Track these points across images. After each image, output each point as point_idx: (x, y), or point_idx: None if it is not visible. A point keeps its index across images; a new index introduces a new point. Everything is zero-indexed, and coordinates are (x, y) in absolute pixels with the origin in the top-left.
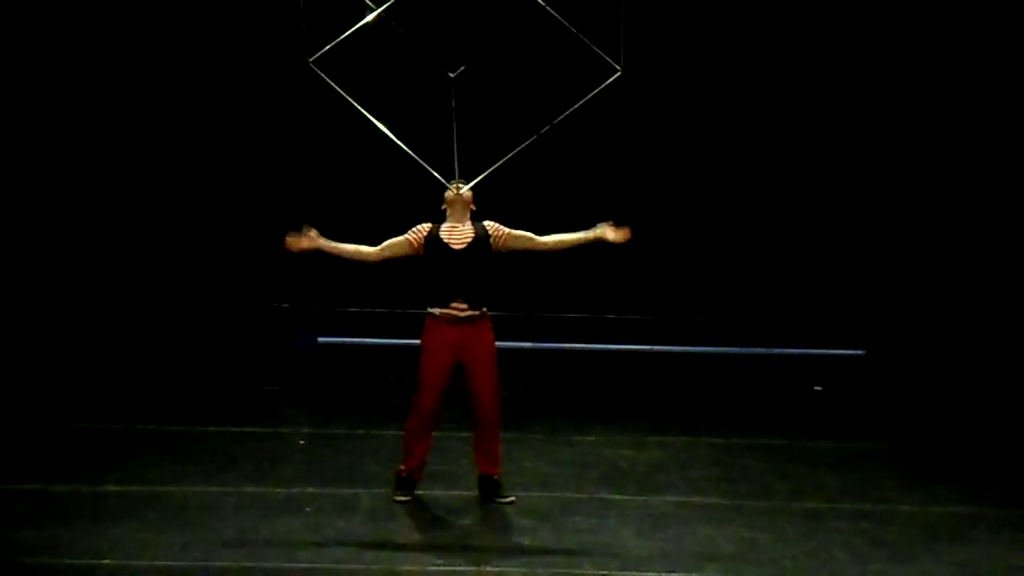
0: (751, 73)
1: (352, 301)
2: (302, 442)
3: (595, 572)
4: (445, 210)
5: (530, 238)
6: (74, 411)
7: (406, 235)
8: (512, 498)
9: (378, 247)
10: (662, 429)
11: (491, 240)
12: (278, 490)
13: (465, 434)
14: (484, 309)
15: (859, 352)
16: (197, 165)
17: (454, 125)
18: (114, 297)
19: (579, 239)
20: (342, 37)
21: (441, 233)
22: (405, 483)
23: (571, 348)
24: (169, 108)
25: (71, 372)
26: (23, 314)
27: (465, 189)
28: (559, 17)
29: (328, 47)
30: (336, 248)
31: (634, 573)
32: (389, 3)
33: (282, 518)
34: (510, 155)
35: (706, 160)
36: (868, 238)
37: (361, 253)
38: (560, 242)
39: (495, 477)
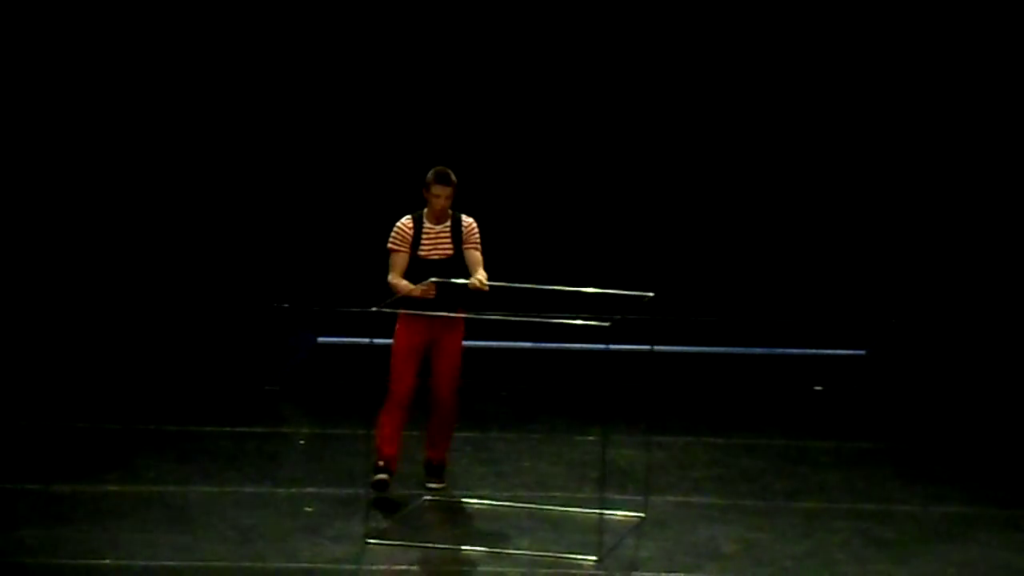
0: (753, 72)
1: (352, 301)
2: (302, 442)
3: (595, 572)
4: (426, 198)
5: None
6: (74, 411)
7: (397, 250)
8: (442, 485)
9: (396, 273)
10: (662, 429)
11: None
12: (278, 490)
13: (464, 434)
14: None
15: (859, 352)
16: (197, 165)
17: None
18: (114, 297)
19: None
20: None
21: (421, 246)
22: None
23: (571, 348)
24: (169, 108)
25: (71, 372)
26: (23, 314)
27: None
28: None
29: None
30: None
31: (634, 573)
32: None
33: (282, 518)
34: None
35: (706, 159)
36: (868, 238)
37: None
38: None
39: (436, 463)
